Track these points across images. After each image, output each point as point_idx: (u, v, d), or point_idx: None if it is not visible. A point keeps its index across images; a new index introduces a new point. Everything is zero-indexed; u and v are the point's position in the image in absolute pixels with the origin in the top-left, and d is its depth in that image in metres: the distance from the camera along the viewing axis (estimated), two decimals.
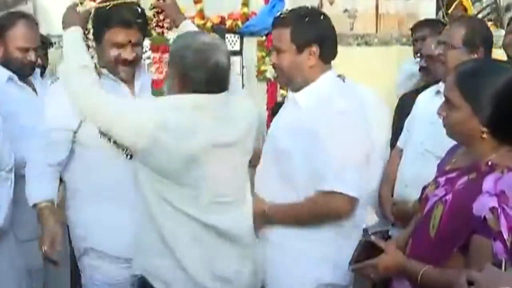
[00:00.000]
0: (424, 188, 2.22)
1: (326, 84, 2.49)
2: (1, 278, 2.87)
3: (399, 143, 3.26)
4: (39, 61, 3.68)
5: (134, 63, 2.74)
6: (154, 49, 2.84)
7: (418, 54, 3.91)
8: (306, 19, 2.46)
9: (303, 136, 2.41)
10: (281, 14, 2.56)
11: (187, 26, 2.93)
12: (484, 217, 1.89)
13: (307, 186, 2.44)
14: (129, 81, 2.79)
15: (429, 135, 2.87)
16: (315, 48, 2.45)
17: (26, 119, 3.09)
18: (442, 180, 2.12)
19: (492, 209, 1.88)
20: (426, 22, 4.26)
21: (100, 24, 2.69)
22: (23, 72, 3.32)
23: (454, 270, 1.93)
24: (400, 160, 3.16)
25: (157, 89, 2.78)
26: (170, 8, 2.97)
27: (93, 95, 2.51)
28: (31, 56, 3.28)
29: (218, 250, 2.43)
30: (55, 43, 4.23)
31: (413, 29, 4.31)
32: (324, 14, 2.53)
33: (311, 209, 2.45)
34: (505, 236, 1.86)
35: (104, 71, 2.72)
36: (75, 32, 2.66)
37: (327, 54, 2.51)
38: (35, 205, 2.62)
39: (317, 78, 2.49)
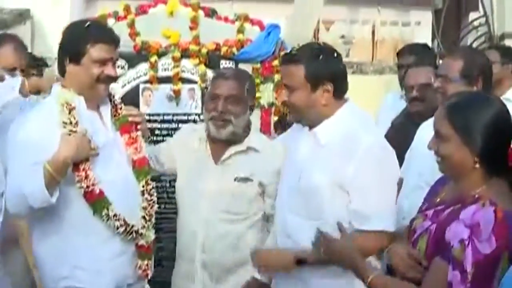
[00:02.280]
0: (413, 220, 2.22)
1: (347, 119, 2.46)
2: None
3: (400, 173, 3.24)
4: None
5: (112, 81, 2.73)
6: (123, 130, 2.80)
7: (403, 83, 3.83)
8: (320, 57, 2.43)
9: (329, 173, 2.39)
10: (291, 51, 2.51)
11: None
12: (452, 245, 1.91)
13: (337, 223, 2.38)
14: (101, 102, 2.72)
15: (428, 167, 2.77)
16: (329, 86, 2.43)
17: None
18: (430, 213, 2.14)
19: (461, 241, 1.89)
20: (413, 49, 4.18)
21: (81, 42, 2.59)
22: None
23: (407, 283, 1.99)
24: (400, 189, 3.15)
25: (140, 168, 2.74)
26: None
27: None
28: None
29: None
30: (51, 65, 4.25)
31: (398, 54, 4.23)
32: (336, 52, 2.51)
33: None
34: (468, 269, 1.86)
35: (81, 100, 2.63)
36: None
37: (340, 90, 2.49)
38: (49, 191, 2.43)
39: (333, 113, 2.47)
